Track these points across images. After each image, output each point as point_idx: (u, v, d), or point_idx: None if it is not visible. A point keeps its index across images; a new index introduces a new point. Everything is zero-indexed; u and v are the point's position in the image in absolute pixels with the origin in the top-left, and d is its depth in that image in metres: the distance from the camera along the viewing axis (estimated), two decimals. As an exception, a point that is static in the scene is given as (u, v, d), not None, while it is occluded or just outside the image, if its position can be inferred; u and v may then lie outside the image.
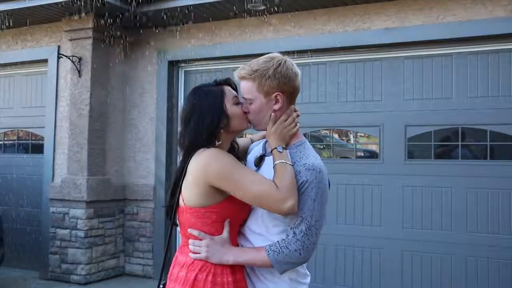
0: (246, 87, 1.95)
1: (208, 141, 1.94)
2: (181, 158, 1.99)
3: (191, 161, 1.91)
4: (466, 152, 4.98)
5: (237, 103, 1.99)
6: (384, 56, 5.25)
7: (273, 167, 1.87)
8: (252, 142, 2.30)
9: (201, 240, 1.89)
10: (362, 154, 5.53)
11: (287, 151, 1.91)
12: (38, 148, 6.70)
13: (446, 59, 5.01)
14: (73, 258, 5.85)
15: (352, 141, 5.61)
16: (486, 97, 4.84)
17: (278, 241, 1.87)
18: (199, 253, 1.88)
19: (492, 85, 4.83)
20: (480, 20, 4.75)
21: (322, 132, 5.66)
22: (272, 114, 1.95)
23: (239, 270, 1.93)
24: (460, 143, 4.98)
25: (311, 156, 1.92)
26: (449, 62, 4.99)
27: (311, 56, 5.48)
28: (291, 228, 1.87)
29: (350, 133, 5.58)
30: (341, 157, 5.61)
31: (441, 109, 4.99)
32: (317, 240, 1.88)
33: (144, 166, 6.25)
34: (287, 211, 1.80)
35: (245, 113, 1.99)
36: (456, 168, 4.93)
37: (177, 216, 2.01)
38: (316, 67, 5.54)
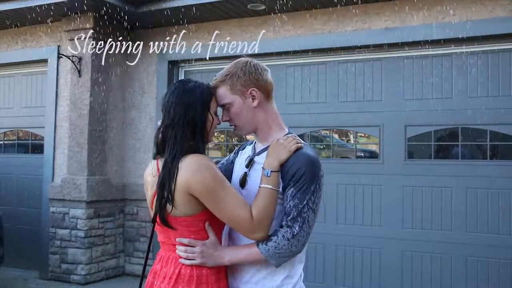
0: (221, 93, 1.97)
1: (200, 142, 1.90)
2: (166, 159, 1.87)
3: (179, 167, 1.83)
4: (466, 152, 4.98)
5: (216, 113, 1.98)
6: (384, 56, 5.25)
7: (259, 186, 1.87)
8: None
9: (191, 247, 1.89)
10: (362, 154, 5.53)
11: (278, 173, 1.86)
12: (38, 148, 6.70)
13: (446, 59, 5.01)
14: (73, 258, 5.85)
15: (352, 141, 5.61)
16: (486, 97, 4.83)
17: (269, 235, 1.86)
18: (193, 260, 1.87)
19: (492, 85, 4.83)
20: (480, 20, 4.75)
21: (322, 132, 5.66)
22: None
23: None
24: (460, 143, 4.97)
25: (304, 146, 1.94)
26: (449, 62, 4.99)
27: (311, 56, 5.48)
28: (283, 218, 1.86)
29: (350, 133, 5.58)
30: (341, 157, 5.61)
31: (441, 109, 4.98)
32: (310, 231, 1.86)
33: (144, 166, 6.24)
34: (256, 240, 1.85)
35: (228, 121, 2.00)
36: (456, 168, 4.93)
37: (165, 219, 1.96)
38: (316, 67, 5.54)
